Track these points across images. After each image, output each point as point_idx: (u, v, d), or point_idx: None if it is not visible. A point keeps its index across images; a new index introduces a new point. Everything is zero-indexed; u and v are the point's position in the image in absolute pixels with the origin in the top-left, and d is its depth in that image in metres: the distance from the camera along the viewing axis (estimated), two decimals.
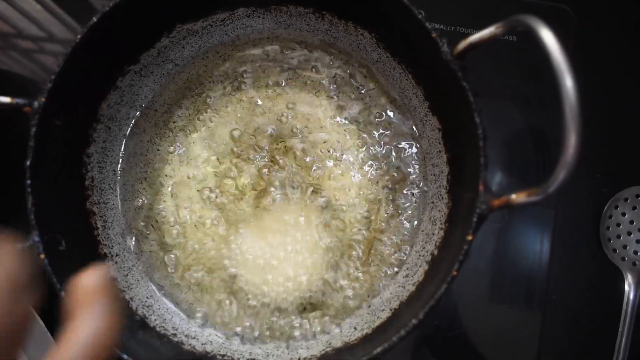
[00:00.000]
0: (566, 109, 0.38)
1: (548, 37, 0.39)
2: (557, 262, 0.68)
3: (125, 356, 0.45)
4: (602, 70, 0.71)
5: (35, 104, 0.48)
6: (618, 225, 0.69)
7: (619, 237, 0.69)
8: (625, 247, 0.69)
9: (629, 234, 0.69)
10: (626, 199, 0.69)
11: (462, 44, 0.46)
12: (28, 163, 0.48)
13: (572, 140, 0.38)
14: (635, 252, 0.68)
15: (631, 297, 0.67)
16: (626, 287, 0.68)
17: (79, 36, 0.50)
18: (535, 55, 0.65)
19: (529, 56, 0.70)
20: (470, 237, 0.44)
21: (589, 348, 0.68)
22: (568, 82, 0.38)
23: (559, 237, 0.69)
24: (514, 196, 0.43)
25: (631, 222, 0.69)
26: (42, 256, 0.47)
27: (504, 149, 0.70)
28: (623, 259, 0.68)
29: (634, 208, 0.69)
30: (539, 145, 0.71)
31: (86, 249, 0.56)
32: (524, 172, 0.71)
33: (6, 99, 0.48)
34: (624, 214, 0.69)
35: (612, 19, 0.74)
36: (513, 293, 0.68)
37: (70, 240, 0.52)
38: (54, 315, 0.54)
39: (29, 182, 0.48)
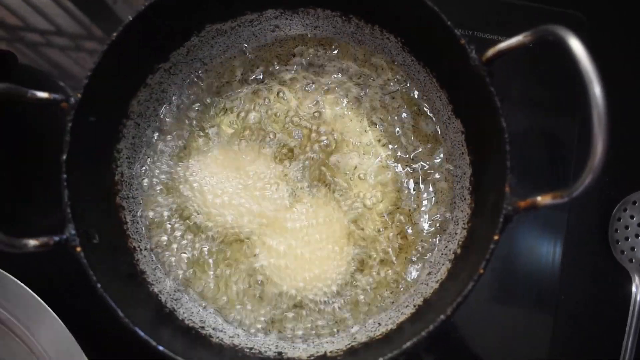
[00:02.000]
0: (594, 116, 0.40)
1: (577, 47, 0.41)
2: (565, 264, 0.69)
3: (161, 348, 0.46)
4: (613, 75, 0.72)
5: (72, 99, 0.49)
6: (626, 227, 0.71)
7: (627, 239, 0.70)
8: (633, 249, 0.70)
9: (637, 236, 0.70)
10: (634, 202, 0.71)
11: (491, 51, 0.48)
12: (64, 157, 0.49)
13: (599, 146, 0.40)
14: None
15: (638, 298, 0.69)
16: (633, 289, 0.69)
17: (114, 34, 0.51)
18: (548, 60, 0.66)
19: (542, 61, 0.71)
20: (497, 237, 0.46)
21: (596, 348, 0.70)
22: (597, 90, 0.40)
23: (567, 239, 0.70)
24: (539, 198, 0.45)
25: (639, 224, 0.70)
26: (79, 249, 0.48)
27: (514, 151, 0.72)
28: (631, 260, 0.70)
29: None
30: (548, 148, 0.72)
31: (116, 242, 0.57)
32: (534, 174, 0.72)
33: (44, 94, 0.49)
34: (632, 217, 0.71)
35: (623, 24, 0.76)
36: (524, 294, 0.69)
37: (102, 234, 0.53)
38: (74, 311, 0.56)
39: (64, 176, 0.49)
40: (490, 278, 0.69)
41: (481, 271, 0.46)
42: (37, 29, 0.74)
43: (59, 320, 0.58)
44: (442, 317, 0.46)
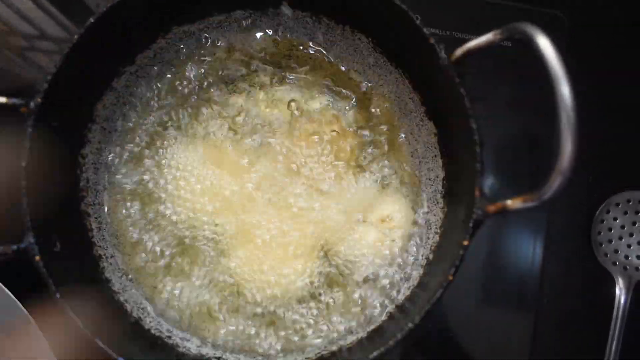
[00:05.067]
0: (562, 116, 0.38)
1: (545, 45, 0.40)
2: (549, 266, 0.69)
3: (120, 359, 0.45)
4: (594, 76, 0.72)
5: (32, 104, 0.48)
6: (610, 229, 0.70)
7: (610, 241, 0.70)
8: (616, 251, 0.69)
9: (620, 238, 0.69)
10: (618, 204, 0.70)
11: (460, 51, 0.46)
12: (24, 164, 0.48)
13: (568, 148, 0.39)
14: (627, 257, 0.69)
15: (622, 301, 0.68)
16: (617, 291, 0.68)
17: (75, 37, 0.50)
18: (529, 60, 0.65)
19: (523, 62, 0.70)
20: (466, 243, 0.45)
21: (580, 351, 0.69)
22: (564, 89, 0.38)
23: (551, 241, 0.69)
24: (509, 202, 0.44)
25: (622, 226, 0.70)
26: (37, 258, 0.46)
27: (495, 152, 0.71)
28: (614, 263, 0.69)
29: (626, 213, 0.70)
30: (530, 149, 0.71)
31: (81, 250, 0.56)
32: (515, 175, 0.71)
33: (2, 99, 0.48)
34: (615, 219, 0.70)
35: (604, 23, 0.75)
36: (505, 296, 0.69)
37: (65, 241, 0.51)
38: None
39: (24, 183, 0.47)
40: (473, 281, 0.68)
41: (450, 278, 0.45)
42: (21, 33, 0.73)
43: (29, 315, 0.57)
44: (410, 325, 0.45)
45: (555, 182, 0.40)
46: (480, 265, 0.69)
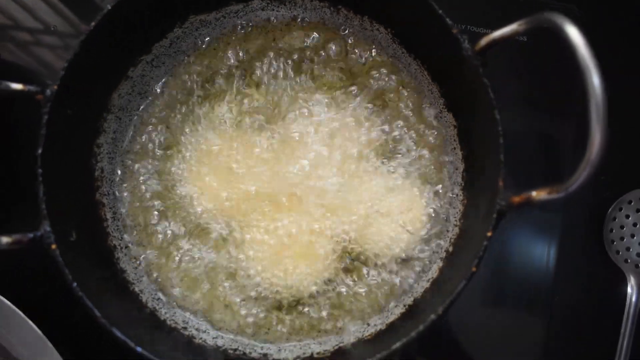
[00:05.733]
0: (592, 107, 0.38)
1: (574, 34, 0.40)
2: (560, 264, 0.68)
3: (139, 349, 0.45)
4: (607, 71, 0.71)
5: (48, 91, 0.48)
6: (622, 227, 0.69)
7: (622, 239, 0.69)
8: (628, 249, 0.69)
9: (633, 236, 0.69)
10: (630, 202, 0.69)
11: (484, 40, 0.46)
12: (39, 151, 0.47)
13: (597, 138, 0.38)
14: (638, 255, 0.69)
15: (634, 299, 0.68)
16: (629, 289, 0.68)
17: (92, 24, 0.50)
18: (542, 55, 0.65)
19: (538, 57, 0.70)
20: (490, 234, 0.44)
21: (591, 349, 0.69)
22: (595, 79, 0.38)
23: (562, 238, 0.69)
24: (534, 193, 0.43)
25: (635, 224, 0.69)
26: (54, 246, 0.46)
27: (507, 149, 0.71)
28: (626, 261, 0.69)
29: (638, 211, 0.69)
30: (543, 147, 0.71)
31: (95, 240, 0.55)
32: (526, 170, 0.71)
33: (18, 86, 0.48)
34: (627, 217, 0.69)
35: (618, 18, 0.75)
36: (517, 296, 0.68)
37: (80, 231, 0.51)
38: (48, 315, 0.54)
39: (40, 171, 0.47)
40: (483, 279, 0.68)
41: (474, 269, 0.44)
42: (26, 28, 0.73)
43: (33, 324, 0.56)
44: (433, 316, 0.44)
45: (584, 173, 0.39)
46: (492, 265, 0.68)
